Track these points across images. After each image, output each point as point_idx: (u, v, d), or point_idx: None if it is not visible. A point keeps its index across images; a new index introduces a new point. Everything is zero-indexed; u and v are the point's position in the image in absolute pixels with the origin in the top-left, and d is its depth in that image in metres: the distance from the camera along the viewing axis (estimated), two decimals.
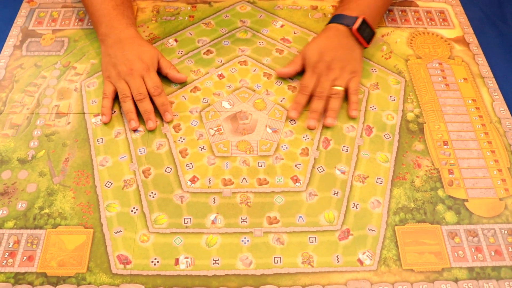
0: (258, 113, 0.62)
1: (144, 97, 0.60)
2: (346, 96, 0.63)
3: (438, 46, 0.71)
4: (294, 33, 0.72)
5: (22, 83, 0.65)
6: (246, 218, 0.53)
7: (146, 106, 0.60)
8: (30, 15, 0.74)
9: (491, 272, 0.50)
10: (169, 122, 0.61)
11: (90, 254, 0.50)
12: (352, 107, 0.61)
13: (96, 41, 0.70)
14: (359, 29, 0.63)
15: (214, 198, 0.54)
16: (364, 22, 0.64)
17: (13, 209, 0.53)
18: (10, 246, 0.51)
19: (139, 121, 0.60)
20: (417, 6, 0.77)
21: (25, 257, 0.50)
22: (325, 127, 0.60)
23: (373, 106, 0.63)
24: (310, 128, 0.60)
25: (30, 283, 0.48)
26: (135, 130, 0.60)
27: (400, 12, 0.76)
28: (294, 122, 0.61)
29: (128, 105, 0.60)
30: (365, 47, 0.66)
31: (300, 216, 0.53)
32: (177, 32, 0.72)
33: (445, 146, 0.59)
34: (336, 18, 0.65)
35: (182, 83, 0.65)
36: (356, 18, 0.63)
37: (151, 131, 0.60)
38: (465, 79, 0.67)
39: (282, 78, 0.66)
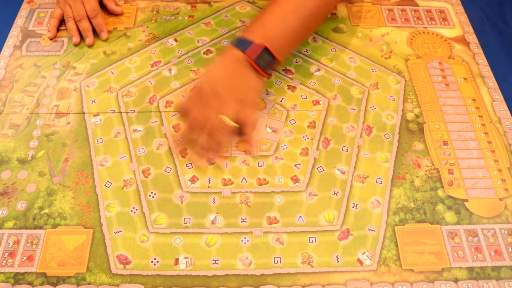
0: (257, 112, 0.62)
1: (83, 18, 0.70)
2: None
3: (438, 46, 0.71)
4: None
5: (22, 83, 0.65)
6: (246, 218, 0.53)
7: (84, 25, 0.70)
8: (30, 16, 0.74)
9: (491, 272, 0.50)
10: (105, 40, 0.70)
11: (90, 254, 0.50)
12: (249, 144, 0.57)
13: (95, 41, 0.70)
14: (256, 56, 0.56)
15: (213, 198, 0.54)
16: (262, 48, 0.56)
17: (12, 209, 0.53)
18: (9, 246, 0.51)
19: (138, 121, 0.61)
20: (417, 5, 0.77)
21: (24, 257, 0.50)
22: (325, 126, 0.60)
23: (373, 106, 0.63)
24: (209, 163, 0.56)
25: (30, 283, 0.48)
26: (76, 45, 0.70)
27: (400, 12, 0.76)
28: (294, 122, 0.61)
29: (70, 24, 0.70)
30: (265, 76, 0.58)
31: (300, 216, 0.53)
32: (177, 31, 0.72)
33: (445, 146, 0.59)
34: (234, 41, 0.58)
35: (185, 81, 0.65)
36: (252, 42, 0.56)
37: (149, 128, 0.60)
38: (465, 78, 0.67)
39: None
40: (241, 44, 0.57)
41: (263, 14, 0.60)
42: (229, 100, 0.54)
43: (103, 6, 0.74)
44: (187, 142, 0.58)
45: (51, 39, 0.70)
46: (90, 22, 0.71)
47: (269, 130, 0.60)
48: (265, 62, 0.57)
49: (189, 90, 0.61)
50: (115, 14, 0.74)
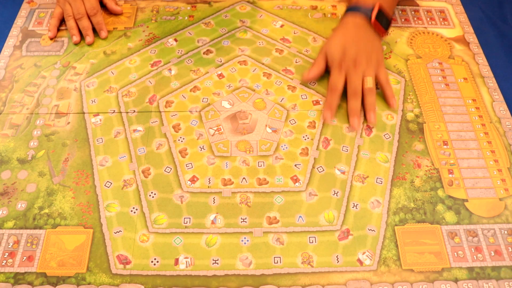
0: (258, 112, 0.62)
1: (82, 16, 0.70)
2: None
3: (438, 46, 0.71)
4: (294, 33, 0.72)
5: (22, 83, 0.65)
6: (246, 218, 0.53)
7: (84, 24, 0.70)
8: (30, 16, 0.74)
9: (491, 272, 0.50)
10: (104, 39, 0.71)
11: (90, 254, 0.50)
12: (390, 101, 0.62)
13: (96, 41, 0.70)
14: (376, 18, 0.63)
15: (214, 198, 0.54)
16: (380, 11, 0.63)
17: (12, 209, 0.53)
18: (10, 246, 0.51)
19: (138, 121, 0.61)
20: (417, 5, 0.77)
21: (24, 257, 0.50)
22: (325, 126, 0.60)
23: None
24: (355, 129, 0.60)
25: (29, 283, 0.48)
26: (76, 44, 0.70)
27: (400, 12, 0.76)
28: (294, 122, 0.61)
29: (70, 23, 0.71)
30: (383, 36, 0.66)
31: (300, 216, 0.53)
32: (176, 31, 0.72)
33: (445, 146, 0.59)
34: (352, 9, 0.65)
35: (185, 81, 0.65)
36: (372, 8, 0.63)
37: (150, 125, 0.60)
38: (465, 78, 0.67)
39: (304, 83, 0.65)
40: (363, 10, 0.64)
41: None
42: (369, 64, 0.61)
43: (103, 6, 0.74)
44: (333, 108, 0.60)
45: (51, 39, 0.71)
46: (90, 21, 0.71)
47: (269, 130, 0.60)
48: (385, 22, 0.64)
49: (316, 61, 0.65)
50: (115, 14, 0.74)
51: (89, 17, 0.71)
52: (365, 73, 0.61)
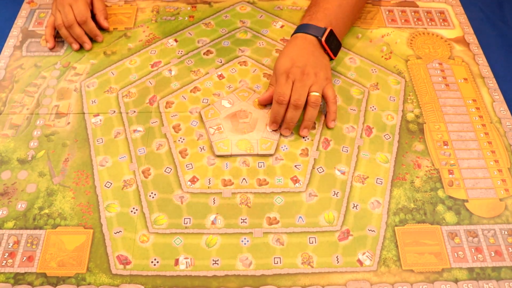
0: (258, 111, 0.62)
1: (72, 24, 0.67)
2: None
3: (438, 46, 0.71)
4: None
5: (22, 83, 0.65)
6: (246, 219, 0.53)
7: (75, 31, 0.68)
8: (30, 16, 0.74)
9: (491, 272, 0.50)
10: (101, 42, 0.70)
11: (90, 255, 0.50)
12: (331, 117, 0.60)
13: (96, 41, 0.70)
14: (327, 40, 0.61)
15: (214, 199, 0.54)
16: (331, 33, 0.62)
17: (12, 209, 0.53)
18: (10, 247, 0.51)
19: (138, 121, 0.61)
20: (417, 6, 0.77)
21: (24, 258, 0.50)
22: (326, 127, 0.60)
23: (373, 106, 0.63)
24: (284, 136, 0.59)
25: (29, 284, 0.48)
26: (76, 50, 0.69)
27: (400, 13, 0.76)
28: None
29: (63, 32, 0.68)
30: (332, 59, 0.64)
31: (300, 217, 0.53)
32: (177, 32, 0.72)
33: (445, 147, 0.59)
34: (303, 28, 0.62)
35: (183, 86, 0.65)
36: (325, 29, 0.61)
37: (152, 132, 0.60)
38: (465, 79, 0.67)
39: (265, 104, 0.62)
40: (315, 30, 0.62)
41: (320, 2, 0.65)
42: (317, 78, 0.59)
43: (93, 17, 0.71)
44: (279, 117, 0.59)
45: (51, 49, 0.69)
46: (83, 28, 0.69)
47: (270, 130, 0.60)
48: (335, 45, 0.63)
49: (270, 82, 0.62)
50: (102, 28, 0.71)
51: (80, 25, 0.68)
52: (312, 88, 0.58)
